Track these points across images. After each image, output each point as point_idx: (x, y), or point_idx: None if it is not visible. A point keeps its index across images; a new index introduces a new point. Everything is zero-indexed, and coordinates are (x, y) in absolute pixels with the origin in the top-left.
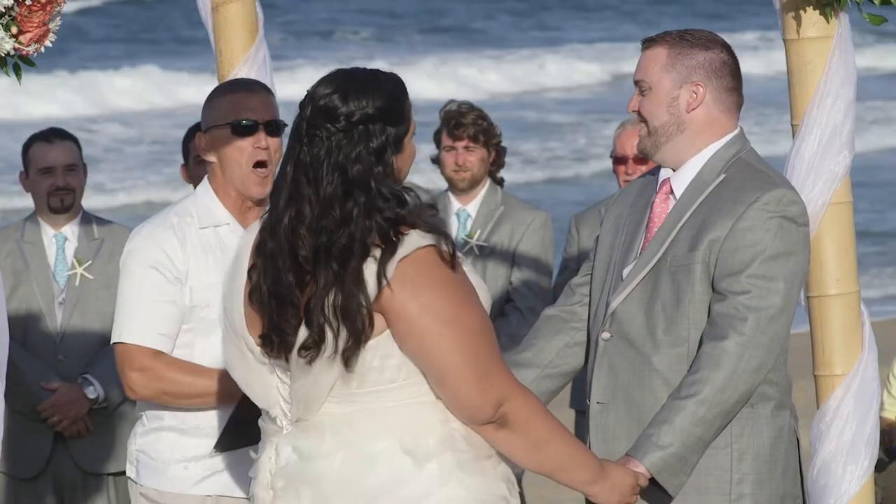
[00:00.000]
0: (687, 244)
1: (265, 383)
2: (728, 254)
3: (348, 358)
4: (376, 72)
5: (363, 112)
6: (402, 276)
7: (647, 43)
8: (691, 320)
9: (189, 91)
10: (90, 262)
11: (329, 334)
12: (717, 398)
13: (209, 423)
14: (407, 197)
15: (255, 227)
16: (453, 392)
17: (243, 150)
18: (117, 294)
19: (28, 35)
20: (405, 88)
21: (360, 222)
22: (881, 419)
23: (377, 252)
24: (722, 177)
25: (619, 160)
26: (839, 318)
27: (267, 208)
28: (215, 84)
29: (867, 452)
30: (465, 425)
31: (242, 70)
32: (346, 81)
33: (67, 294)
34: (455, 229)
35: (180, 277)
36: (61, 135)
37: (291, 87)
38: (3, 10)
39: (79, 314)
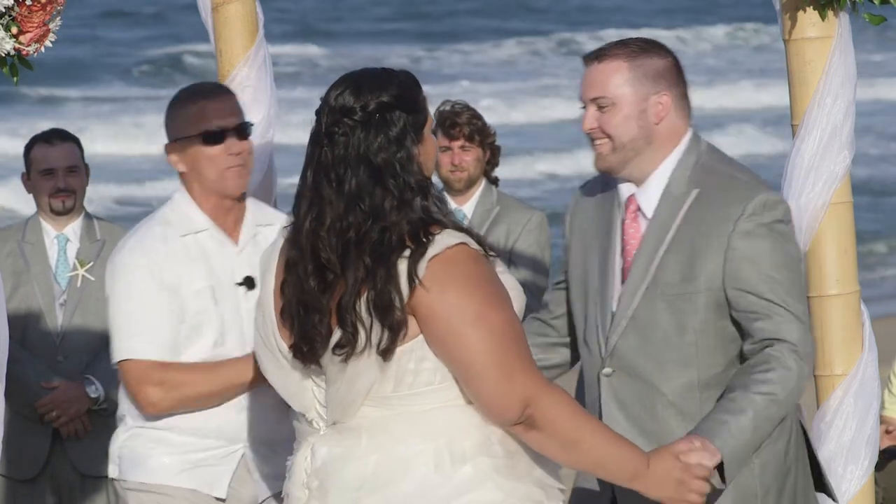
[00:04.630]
0: (679, 271)
1: (301, 388)
2: (737, 278)
3: (385, 351)
4: (386, 68)
5: (378, 101)
6: (431, 275)
7: (597, 57)
8: (699, 347)
9: None
10: (91, 263)
11: (362, 332)
12: (787, 400)
13: (187, 423)
14: (429, 190)
15: (281, 238)
16: (477, 391)
17: (215, 159)
18: (110, 309)
19: (28, 35)
20: (418, 82)
21: (393, 215)
22: (881, 418)
23: (407, 252)
24: (695, 191)
25: None
26: (839, 318)
27: (291, 220)
28: None
29: (867, 452)
30: (502, 429)
31: (242, 70)
32: (356, 79)
33: (68, 295)
34: None
35: (170, 286)
36: (62, 136)
37: None
38: (4, 10)
39: (80, 315)
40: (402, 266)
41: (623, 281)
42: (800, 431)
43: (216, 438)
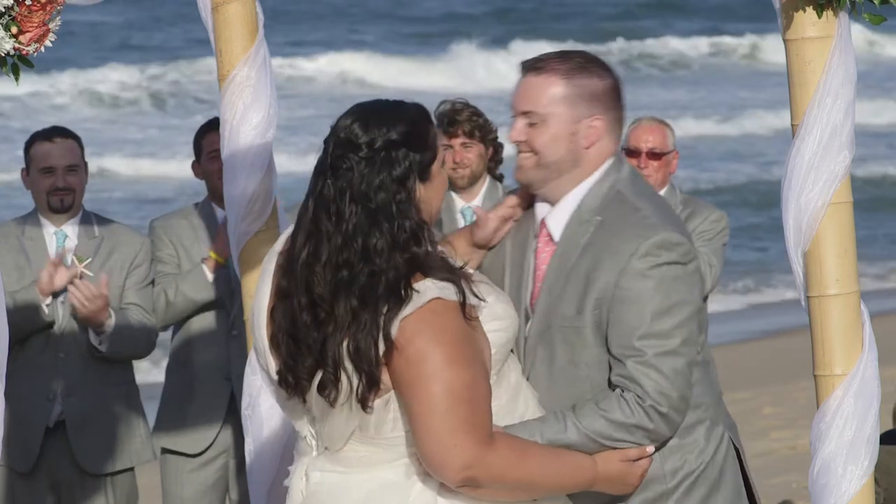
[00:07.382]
0: (574, 303)
1: (294, 409)
2: (617, 315)
3: (363, 399)
4: (399, 101)
5: (385, 138)
6: (402, 333)
7: (534, 68)
8: (592, 382)
9: None
10: (90, 259)
11: (344, 377)
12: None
13: None
14: (423, 235)
15: (277, 250)
16: (419, 445)
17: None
18: None
19: (28, 35)
20: (430, 116)
21: (383, 259)
22: None
23: (387, 306)
24: (598, 219)
25: (631, 153)
26: (839, 318)
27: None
28: None
29: (867, 452)
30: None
31: (242, 70)
32: (367, 111)
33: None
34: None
35: None
36: (63, 133)
37: None
38: (3, 10)
39: None
40: (382, 320)
41: (532, 308)
42: (730, 445)
43: None
